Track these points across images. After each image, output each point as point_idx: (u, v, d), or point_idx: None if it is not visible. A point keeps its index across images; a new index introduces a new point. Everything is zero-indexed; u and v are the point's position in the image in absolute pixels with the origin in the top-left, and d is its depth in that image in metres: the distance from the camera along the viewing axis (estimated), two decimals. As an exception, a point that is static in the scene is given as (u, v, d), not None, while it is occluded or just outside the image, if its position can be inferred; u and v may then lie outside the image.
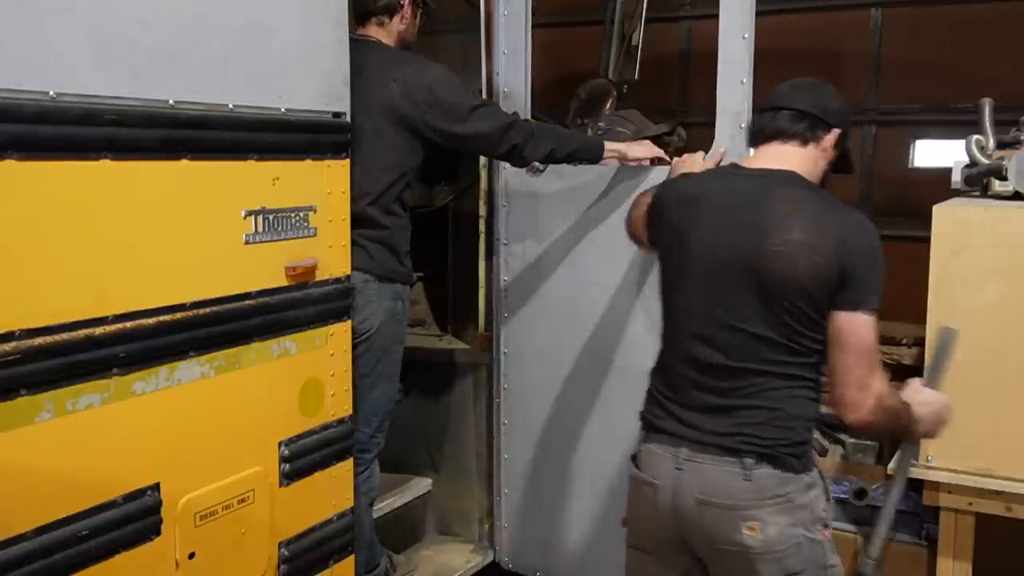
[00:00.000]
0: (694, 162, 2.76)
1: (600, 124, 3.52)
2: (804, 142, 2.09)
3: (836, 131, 2.12)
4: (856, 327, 1.91)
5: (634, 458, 2.15)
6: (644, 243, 2.33)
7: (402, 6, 2.95)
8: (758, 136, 2.15)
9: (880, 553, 2.26)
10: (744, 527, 1.93)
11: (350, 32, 2.92)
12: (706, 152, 2.86)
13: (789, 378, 1.97)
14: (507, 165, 3.35)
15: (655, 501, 2.04)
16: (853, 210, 2.04)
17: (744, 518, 1.93)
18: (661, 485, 2.03)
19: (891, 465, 2.28)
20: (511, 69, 3.35)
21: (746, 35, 2.83)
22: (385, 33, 2.95)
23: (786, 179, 2.04)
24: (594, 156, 3.08)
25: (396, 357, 2.99)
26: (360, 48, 2.83)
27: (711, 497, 1.95)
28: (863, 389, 1.92)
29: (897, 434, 2.12)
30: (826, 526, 1.99)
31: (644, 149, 3.10)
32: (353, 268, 2.75)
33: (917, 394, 2.11)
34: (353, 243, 2.71)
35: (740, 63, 2.84)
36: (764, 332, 1.95)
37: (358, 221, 2.71)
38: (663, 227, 2.17)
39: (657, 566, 2.10)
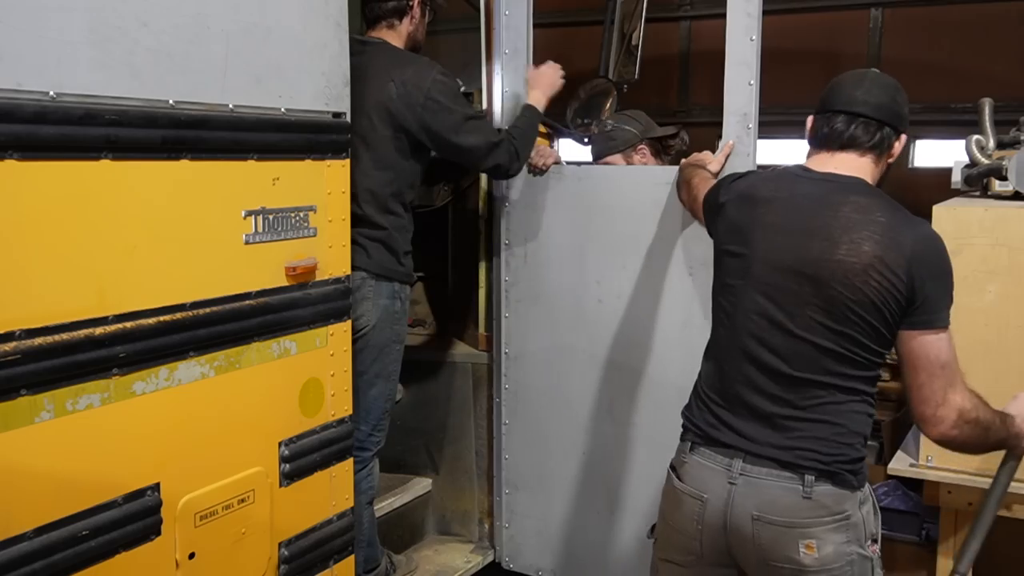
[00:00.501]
0: (704, 161, 2.80)
1: (608, 122, 3.52)
2: (878, 155, 2.04)
3: (903, 137, 2.08)
4: (929, 345, 1.88)
5: (674, 469, 2.06)
6: (701, 219, 2.37)
7: (411, 7, 2.99)
8: (830, 142, 2.04)
9: (968, 567, 2.19)
10: (802, 545, 1.89)
11: (359, 34, 2.96)
12: (712, 151, 2.89)
13: (851, 392, 1.93)
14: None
15: (702, 516, 1.96)
16: (923, 222, 2.00)
17: (802, 536, 1.89)
18: (711, 499, 1.95)
19: (994, 481, 2.22)
20: (512, 69, 3.35)
21: (753, 37, 2.85)
22: (395, 35, 3.00)
23: (857, 187, 1.98)
24: (537, 123, 3.17)
25: (394, 356, 3.00)
26: (367, 49, 2.88)
27: (769, 514, 1.90)
28: (942, 405, 1.88)
29: (996, 447, 2.05)
30: (875, 541, 1.96)
31: (546, 81, 3.16)
32: (351, 266, 2.77)
33: (1020, 404, 2.07)
34: (352, 241, 2.73)
35: (748, 65, 2.87)
36: (829, 344, 1.90)
37: (356, 220, 2.72)
38: (720, 224, 2.10)
39: None
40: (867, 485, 1.98)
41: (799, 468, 1.90)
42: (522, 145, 3.07)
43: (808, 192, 1.98)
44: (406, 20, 2.99)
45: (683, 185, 2.75)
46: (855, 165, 2.02)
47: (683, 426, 2.09)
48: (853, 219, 1.90)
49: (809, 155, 2.09)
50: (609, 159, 3.42)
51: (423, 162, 3.00)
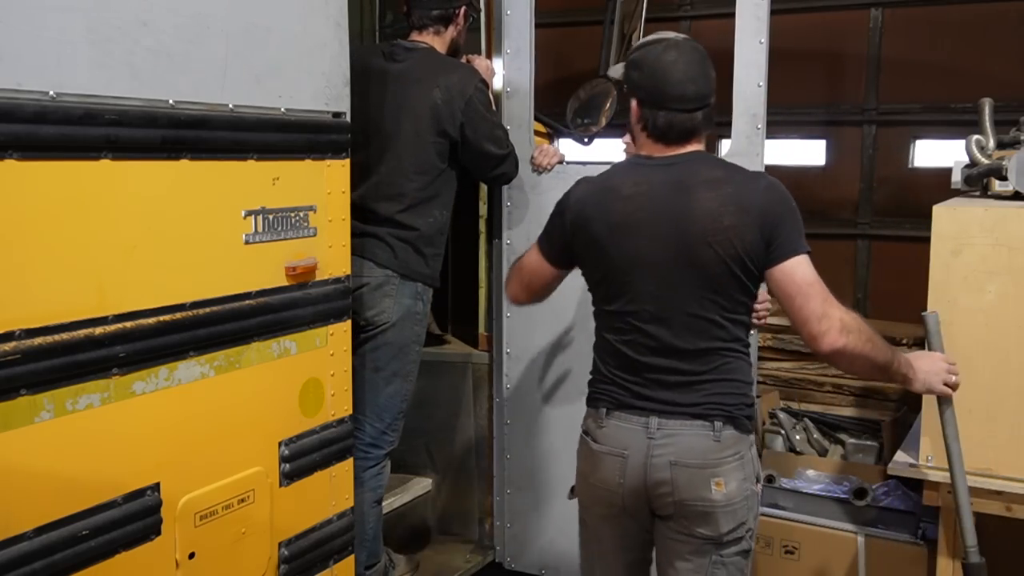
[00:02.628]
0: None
1: None
2: (709, 132, 2.20)
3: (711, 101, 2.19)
4: (794, 269, 2.04)
5: (588, 433, 2.24)
6: (533, 297, 2.42)
7: (456, 15, 3.09)
8: (666, 138, 2.15)
9: (974, 538, 2.40)
10: (713, 483, 2.10)
11: (403, 38, 3.02)
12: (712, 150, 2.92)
13: (737, 350, 2.15)
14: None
15: (624, 470, 2.14)
16: (761, 175, 2.20)
17: (712, 475, 2.10)
18: (632, 455, 2.13)
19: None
20: (515, 69, 3.36)
21: (762, 40, 2.90)
22: (440, 41, 3.10)
23: (698, 159, 2.15)
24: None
25: (413, 357, 3.05)
26: (413, 55, 2.95)
27: (685, 459, 2.10)
28: (823, 317, 2.02)
29: (885, 371, 2.15)
30: (758, 480, 2.21)
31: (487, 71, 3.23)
32: (377, 264, 2.83)
33: (918, 355, 2.29)
34: (380, 239, 2.82)
35: (757, 66, 2.91)
36: (716, 315, 2.10)
37: (386, 220, 2.81)
38: (582, 237, 2.18)
39: (610, 529, 2.25)
40: (753, 431, 2.23)
41: (709, 417, 2.11)
42: (517, 155, 3.22)
43: (660, 179, 2.11)
44: (451, 27, 3.09)
45: (512, 275, 2.45)
46: (691, 145, 2.17)
47: (592, 395, 2.25)
48: (707, 197, 2.06)
49: (642, 140, 2.19)
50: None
51: (458, 173, 3.10)
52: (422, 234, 2.97)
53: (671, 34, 2.22)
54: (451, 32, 3.10)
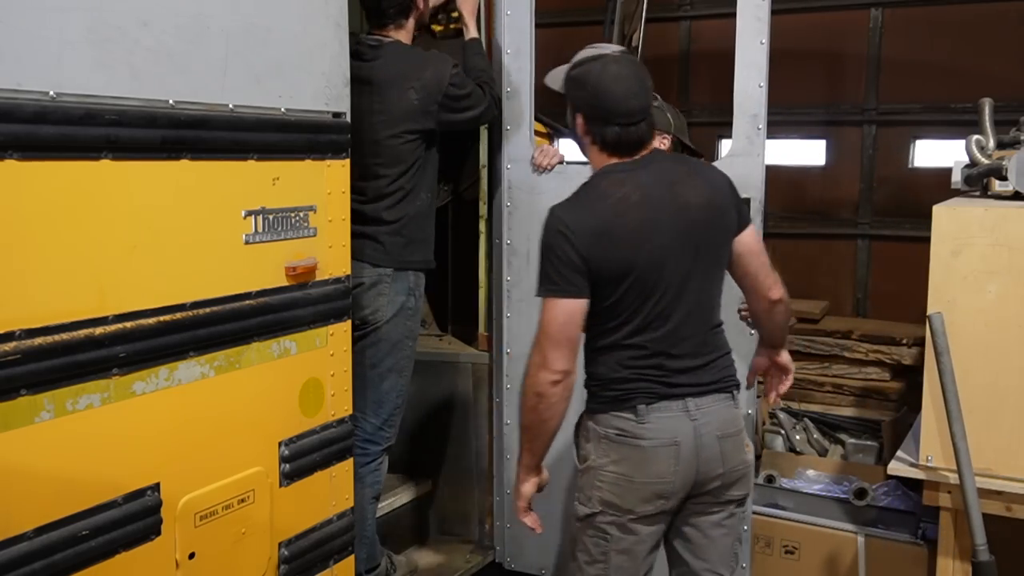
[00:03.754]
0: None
1: (657, 96, 3.43)
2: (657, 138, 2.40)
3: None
4: (754, 234, 2.35)
5: (628, 434, 2.18)
6: (576, 353, 2.19)
7: (415, 2, 3.06)
8: (619, 150, 2.23)
9: (983, 536, 2.53)
10: (744, 445, 2.30)
11: (365, 33, 3.00)
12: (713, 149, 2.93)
13: (722, 320, 2.34)
14: (510, 165, 3.40)
15: (678, 456, 2.17)
16: (707, 164, 2.53)
17: (743, 438, 2.31)
18: (683, 440, 2.18)
19: None
20: (515, 69, 3.36)
21: (763, 40, 2.90)
22: (404, 33, 3.07)
23: (660, 159, 2.30)
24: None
25: (407, 352, 3.06)
26: (381, 53, 2.93)
27: (727, 430, 2.23)
28: (773, 271, 2.36)
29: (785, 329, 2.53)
30: None
31: (470, 6, 3.24)
32: (370, 264, 2.83)
33: None
34: (370, 238, 2.82)
35: (758, 67, 2.92)
36: (717, 293, 2.29)
37: (374, 219, 2.82)
38: (600, 255, 2.14)
39: (649, 529, 2.23)
40: None
41: (727, 388, 2.27)
42: (496, 88, 3.24)
43: (647, 181, 2.20)
44: (412, 16, 3.06)
45: (550, 354, 2.17)
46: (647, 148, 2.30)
47: (616, 397, 2.21)
48: (693, 187, 2.22)
49: (596, 152, 2.27)
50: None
51: (440, 150, 3.12)
52: (411, 218, 3.01)
53: (607, 48, 2.30)
54: (412, 20, 3.07)
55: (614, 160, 2.25)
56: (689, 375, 2.21)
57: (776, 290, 2.36)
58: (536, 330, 2.19)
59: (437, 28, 3.49)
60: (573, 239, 2.14)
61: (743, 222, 2.31)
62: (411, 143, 2.98)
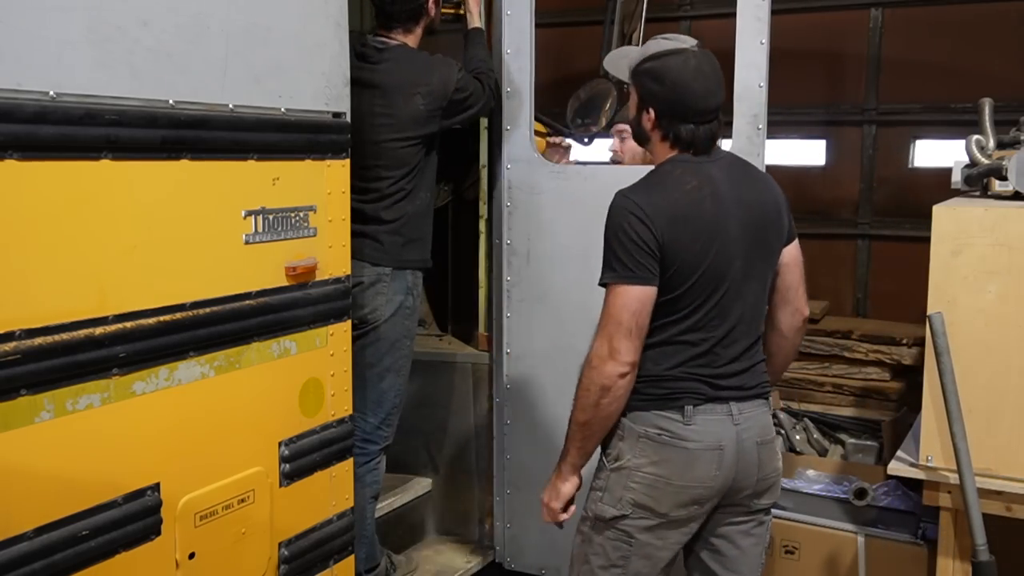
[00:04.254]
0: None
1: None
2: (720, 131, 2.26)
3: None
4: (798, 246, 2.31)
5: (675, 435, 2.10)
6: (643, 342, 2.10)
7: (426, 8, 3.06)
8: (692, 147, 2.16)
9: (983, 536, 2.53)
10: (777, 453, 2.27)
11: (371, 34, 3.00)
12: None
13: None
14: (510, 165, 3.40)
15: (721, 461, 2.12)
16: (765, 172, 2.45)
17: (776, 446, 2.28)
18: (727, 445, 2.12)
19: None
20: (515, 69, 3.36)
21: (763, 41, 2.90)
22: (412, 38, 3.08)
23: (730, 157, 2.27)
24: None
25: (405, 352, 3.07)
26: (385, 54, 2.94)
27: (765, 437, 2.20)
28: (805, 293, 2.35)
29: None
30: None
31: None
32: (368, 263, 2.84)
33: None
34: (369, 237, 2.83)
35: (757, 67, 2.92)
36: (765, 300, 2.24)
37: (374, 218, 2.85)
38: (677, 244, 2.06)
39: (678, 535, 2.18)
40: None
41: (765, 395, 2.24)
42: (493, 77, 3.24)
43: (720, 177, 2.16)
44: (422, 21, 3.07)
45: (617, 341, 2.08)
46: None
47: (661, 396, 2.13)
48: (757, 189, 2.22)
49: (662, 145, 2.20)
50: (623, 125, 3.33)
51: (438, 150, 3.13)
52: (410, 217, 3.02)
53: (685, 40, 2.18)
54: (422, 25, 3.08)
55: (683, 154, 2.17)
56: (735, 379, 2.16)
57: (806, 307, 2.34)
58: (601, 319, 2.10)
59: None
60: (649, 222, 2.04)
61: (792, 231, 2.28)
62: (414, 147, 2.99)
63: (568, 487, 2.23)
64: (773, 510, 2.34)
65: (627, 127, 3.15)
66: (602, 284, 2.11)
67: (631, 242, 2.05)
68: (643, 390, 2.13)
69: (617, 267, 2.07)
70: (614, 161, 3.30)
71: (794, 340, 2.36)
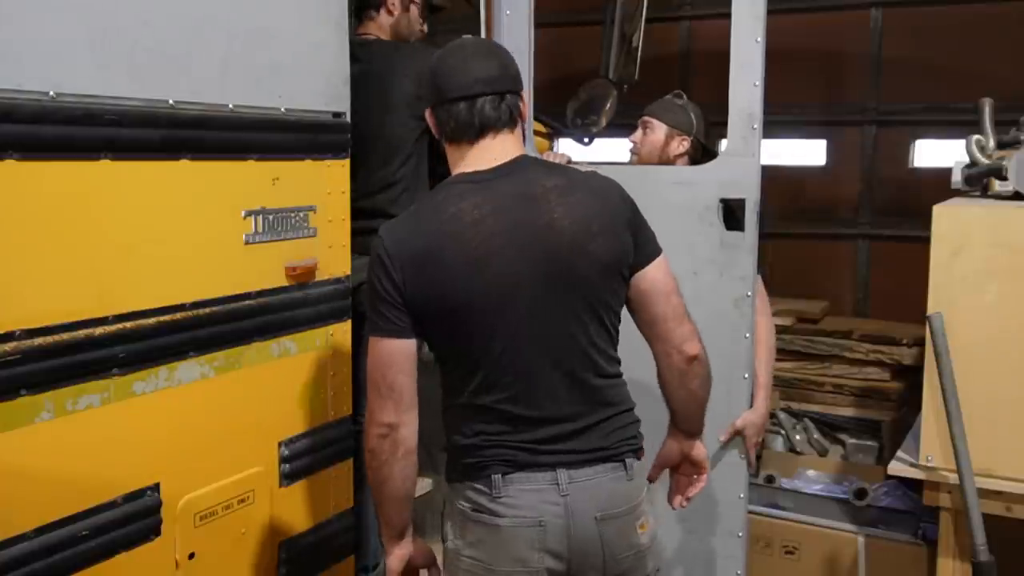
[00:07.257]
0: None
1: (683, 95, 3.33)
2: (514, 125, 1.89)
3: (524, 95, 1.91)
4: (665, 269, 1.92)
5: (480, 509, 1.84)
6: (409, 405, 1.94)
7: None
8: (464, 134, 1.85)
9: (983, 536, 2.47)
10: (638, 527, 1.88)
11: (352, 33, 2.98)
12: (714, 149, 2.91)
13: (620, 369, 1.94)
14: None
15: (544, 540, 1.80)
16: (600, 175, 1.95)
17: (636, 518, 1.88)
18: (549, 520, 1.81)
19: None
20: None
21: (758, 39, 2.88)
22: (376, 27, 3.03)
23: (530, 166, 1.87)
24: None
25: None
26: (365, 49, 2.91)
27: (609, 510, 1.84)
28: (689, 319, 1.94)
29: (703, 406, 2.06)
30: None
31: None
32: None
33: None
34: (371, 233, 2.82)
35: (753, 66, 2.90)
36: (600, 339, 1.86)
37: (380, 212, 2.83)
38: (425, 283, 1.80)
39: None
40: None
41: (619, 456, 1.87)
42: None
43: (499, 195, 1.82)
44: (383, 11, 3.02)
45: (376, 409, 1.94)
46: (509, 146, 1.87)
47: (468, 465, 1.87)
48: (562, 204, 1.81)
49: (449, 154, 1.92)
50: (650, 118, 3.18)
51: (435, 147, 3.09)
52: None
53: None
54: (384, 17, 3.01)
55: (470, 156, 1.86)
56: (565, 442, 1.82)
57: (692, 344, 1.91)
58: None
59: None
60: (390, 265, 1.80)
61: (648, 252, 1.89)
62: (411, 131, 2.96)
63: (391, 561, 2.00)
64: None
65: (653, 118, 3.02)
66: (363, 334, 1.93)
67: (373, 290, 1.84)
68: (454, 459, 1.93)
69: (372, 316, 1.85)
70: (633, 152, 3.23)
71: (688, 387, 1.96)
